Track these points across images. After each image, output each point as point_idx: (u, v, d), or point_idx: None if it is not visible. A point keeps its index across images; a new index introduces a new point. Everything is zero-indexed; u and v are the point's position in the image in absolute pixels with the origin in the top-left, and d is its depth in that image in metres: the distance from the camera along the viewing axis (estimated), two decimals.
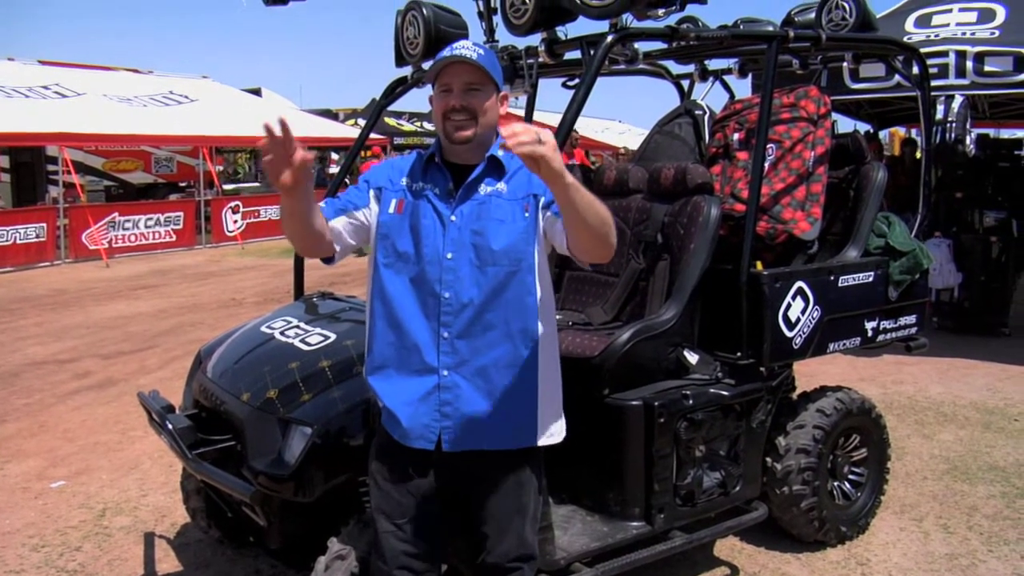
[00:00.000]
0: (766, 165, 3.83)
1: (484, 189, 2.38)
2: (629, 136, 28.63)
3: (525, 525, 2.49)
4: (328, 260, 2.46)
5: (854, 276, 3.90)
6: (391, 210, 2.41)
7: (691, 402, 3.30)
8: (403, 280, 2.38)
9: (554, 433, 2.52)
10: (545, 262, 2.45)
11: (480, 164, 2.39)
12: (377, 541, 2.47)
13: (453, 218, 2.35)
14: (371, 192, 2.45)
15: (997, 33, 7.53)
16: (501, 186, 2.38)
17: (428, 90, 2.44)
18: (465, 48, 2.33)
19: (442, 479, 2.44)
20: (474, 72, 2.31)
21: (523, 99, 4.88)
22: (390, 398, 2.41)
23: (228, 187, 22.22)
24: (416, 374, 2.38)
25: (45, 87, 17.15)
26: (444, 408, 2.36)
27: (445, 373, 2.36)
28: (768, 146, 3.90)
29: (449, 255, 2.34)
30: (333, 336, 3.24)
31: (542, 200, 2.35)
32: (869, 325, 4.04)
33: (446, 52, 2.34)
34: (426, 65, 3.82)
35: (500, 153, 2.39)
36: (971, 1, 8.06)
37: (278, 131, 2.00)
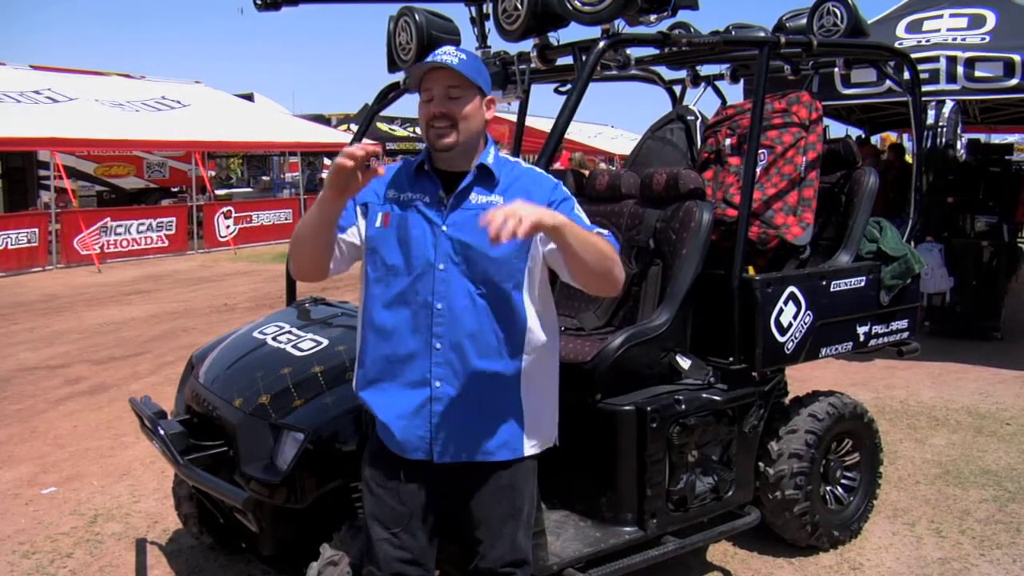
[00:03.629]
0: (758, 170, 3.84)
1: (476, 198, 2.35)
2: (621, 141, 28.65)
3: (518, 530, 2.49)
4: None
5: (846, 281, 3.91)
6: (377, 224, 2.38)
7: (683, 407, 3.31)
8: (394, 293, 2.36)
9: (543, 443, 2.51)
10: (541, 274, 2.42)
11: (470, 172, 2.37)
12: (370, 548, 2.46)
13: (445, 228, 2.33)
14: (357, 209, 2.41)
15: (987, 39, 7.56)
16: (497, 198, 2.33)
17: (419, 96, 2.43)
18: (446, 54, 2.31)
19: (436, 486, 2.43)
20: (454, 77, 2.29)
21: (515, 105, 4.89)
22: (384, 412, 2.40)
23: (221, 192, 22.19)
24: (409, 387, 2.37)
25: (37, 92, 17.07)
26: (435, 419, 2.35)
27: (437, 384, 2.34)
28: (760, 151, 3.90)
29: (441, 266, 2.32)
30: (325, 341, 3.24)
31: None
32: (861, 330, 4.05)
33: (428, 58, 2.34)
34: None
35: (488, 163, 2.39)
36: (962, 7, 8.10)
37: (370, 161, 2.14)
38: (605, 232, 2.31)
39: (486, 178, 2.38)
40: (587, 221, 2.35)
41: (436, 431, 2.35)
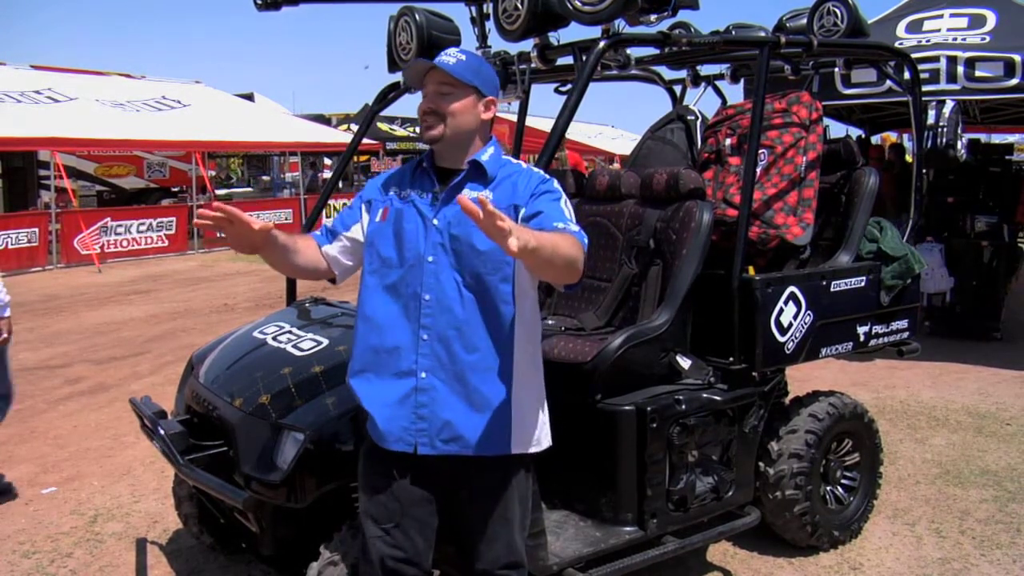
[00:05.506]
0: (758, 170, 3.84)
1: (468, 194, 2.37)
2: (621, 141, 28.63)
3: (513, 532, 2.48)
4: (332, 280, 2.61)
5: (846, 281, 3.91)
6: (377, 218, 2.47)
7: (684, 407, 3.31)
8: (386, 284, 2.41)
9: (533, 443, 2.50)
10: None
11: (464, 169, 2.43)
12: (365, 546, 2.46)
13: (435, 221, 2.38)
14: (362, 206, 2.53)
15: (988, 39, 7.56)
16: (487, 193, 2.35)
17: (421, 95, 2.48)
18: (445, 54, 2.42)
19: (427, 483, 2.43)
20: (445, 76, 2.38)
21: (515, 104, 4.89)
22: (369, 400, 2.42)
23: (221, 192, 22.18)
24: (395, 377, 2.39)
25: (37, 92, 17.07)
26: (420, 410, 2.36)
27: (423, 375, 2.37)
28: (760, 151, 3.91)
29: (430, 258, 2.36)
30: (326, 341, 3.24)
31: (522, 212, 2.35)
32: (861, 330, 4.05)
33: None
34: None
35: (481, 160, 2.42)
36: (962, 7, 8.10)
37: (217, 214, 2.24)
38: (575, 230, 2.28)
39: (479, 174, 2.43)
40: (567, 214, 2.35)
41: (420, 423, 2.36)
